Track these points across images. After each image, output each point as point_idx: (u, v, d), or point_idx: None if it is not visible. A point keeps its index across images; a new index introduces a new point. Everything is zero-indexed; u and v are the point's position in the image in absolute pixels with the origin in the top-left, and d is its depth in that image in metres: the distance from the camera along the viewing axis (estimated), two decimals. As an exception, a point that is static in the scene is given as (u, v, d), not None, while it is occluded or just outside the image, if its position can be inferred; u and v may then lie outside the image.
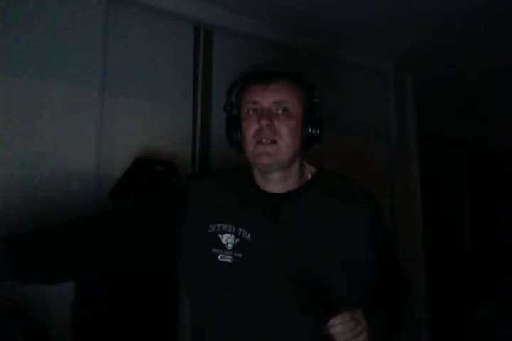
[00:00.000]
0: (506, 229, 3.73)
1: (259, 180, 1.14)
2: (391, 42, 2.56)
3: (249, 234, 1.08)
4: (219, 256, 1.07)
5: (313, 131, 1.10)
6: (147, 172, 1.83)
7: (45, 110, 1.74)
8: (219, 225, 1.10)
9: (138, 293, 1.80)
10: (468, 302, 3.17)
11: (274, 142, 1.06)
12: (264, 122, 1.05)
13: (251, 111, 1.09)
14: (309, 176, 1.16)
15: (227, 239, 1.08)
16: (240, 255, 1.06)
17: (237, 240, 1.07)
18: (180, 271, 1.15)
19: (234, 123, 1.13)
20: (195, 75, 2.14)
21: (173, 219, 1.14)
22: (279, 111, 1.07)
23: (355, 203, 1.12)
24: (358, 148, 2.59)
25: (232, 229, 1.09)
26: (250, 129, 1.08)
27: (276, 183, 1.12)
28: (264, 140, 1.06)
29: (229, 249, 1.07)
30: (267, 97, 1.08)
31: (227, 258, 1.07)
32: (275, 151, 1.06)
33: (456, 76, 2.97)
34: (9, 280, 1.08)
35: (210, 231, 1.10)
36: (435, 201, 3.66)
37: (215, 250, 1.08)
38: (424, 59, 2.78)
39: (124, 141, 1.91)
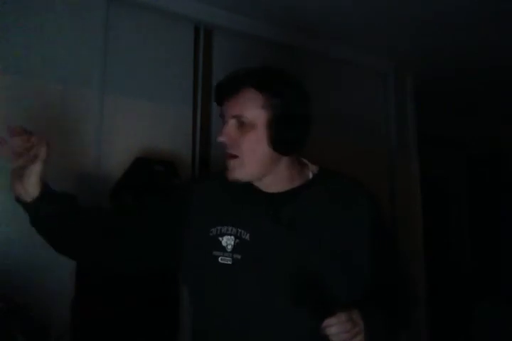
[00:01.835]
0: (506, 229, 3.73)
1: (256, 182, 1.14)
2: (391, 42, 2.56)
3: (247, 235, 1.08)
4: (219, 259, 1.07)
5: (285, 137, 1.05)
6: (147, 172, 1.83)
7: (45, 110, 1.73)
8: (219, 228, 1.10)
9: (138, 293, 1.80)
10: (468, 302, 3.17)
11: (236, 156, 1.07)
12: (220, 139, 1.07)
13: (224, 124, 1.10)
14: (310, 175, 1.16)
15: (226, 241, 1.08)
16: (239, 256, 1.06)
17: (236, 241, 1.07)
18: (183, 273, 1.15)
19: None
20: (195, 75, 2.14)
21: (178, 221, 1.15)
22: (239, 124, 1.06)
23: (356, 204, 1.12)
24: (358, 148, 2.59)
25: (232, 231, 1.09)
26: (220, 141, 1.09)
27: (270, 186, 1.13)
28: (228, 154, 1.08)
29: (228, 250, 1.07)
30: (227, 112, 1.08)
31: (227, 260, 1.07)
32: (235, 166, 1.07)
33: (456, 76, 2.97)
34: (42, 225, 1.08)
35: (211, 234, 1.11)
36: (435, 201, 3.65)
37: (215, 253, 1.08)
38: (424, 59, 2.78)
39: (124, 141, 1.90)
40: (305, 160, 1.18)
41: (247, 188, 1.13)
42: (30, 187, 1.02)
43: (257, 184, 1.14)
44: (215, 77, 2.17)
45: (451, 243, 4.00)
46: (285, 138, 1.05)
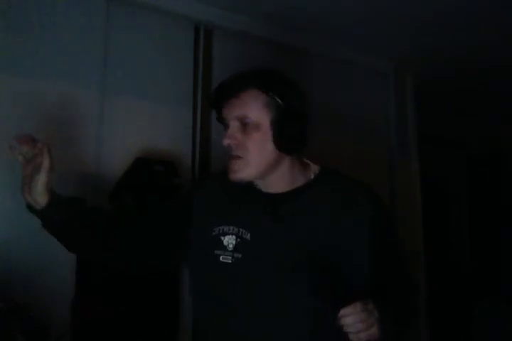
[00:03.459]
0: (506, 229, 3.73)
1: (258, 182, 1.14)
2: (391, 42, 2.56)
3: (248, 234, 1.09)
4: (220, 257, 1.08)
5: (290, 136, 1.06)
6: (147, 172, 1.83)
7: (46, 110, 1.73)
8: (221, 227, 1.11)
9: (138, 293, 1.80)
10: (468, 302, 3.17)
11: (240, 157, 1.06)
12: (225, 142, 1.06)
13: (224, 127, 1.10)
14: (312, 176, 1.16)
15: (228, 240, 1.09)
16: (239, 255, 1.07)
17: (238, 240, 1.08)
18: (188, 272, 1.19)
19: None
20: (195, 75, 2.14)
21: (178, 222, 1.17)
22: (243, 125, 1.06)
23: (356, 204, 1.11)
24: (358, 148, 2.59)
25: (233, 230, 1.10)
26: (225, 145, 1.08)
27: (271, 186, 1.13)
28: (232, 155, 1.07)
29: (230, 249, 1.08)
30: (229, 113, 1.07)
31: (228, 259, 1.08)
32: (240, 167, 1.06)
33: (456, 76, 2.97)
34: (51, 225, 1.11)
35: (213, 233, 1.12)
36: (435, 201, 3.65)
37: (217, 252, 1.09)
38: (424, 59, 2.78)
39: (124, 141, 1.90)
40: (307, 160, 1.18)
41: (248, 188, 1.14)
42: (38, 197, 1.05)
43: (258, 184, 1.14)
44: (215, 77, 2.17)
45: (451, 243, 4.00)
46: (290, 137, 1.06)
